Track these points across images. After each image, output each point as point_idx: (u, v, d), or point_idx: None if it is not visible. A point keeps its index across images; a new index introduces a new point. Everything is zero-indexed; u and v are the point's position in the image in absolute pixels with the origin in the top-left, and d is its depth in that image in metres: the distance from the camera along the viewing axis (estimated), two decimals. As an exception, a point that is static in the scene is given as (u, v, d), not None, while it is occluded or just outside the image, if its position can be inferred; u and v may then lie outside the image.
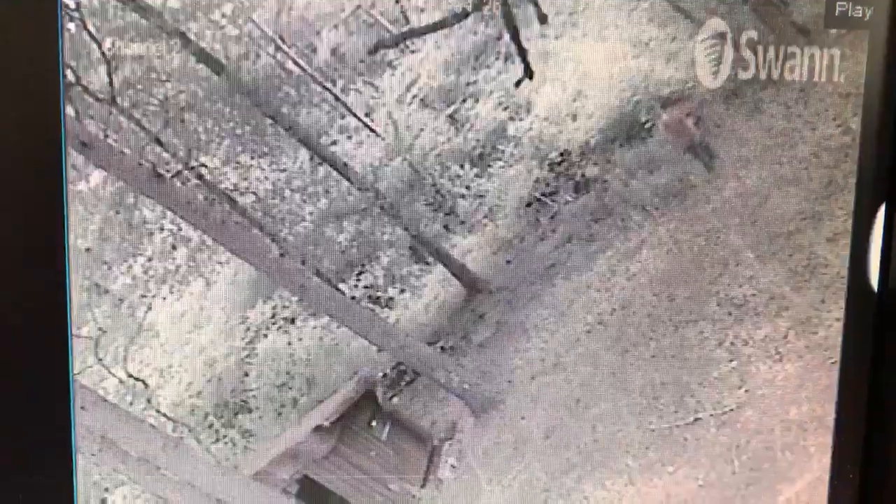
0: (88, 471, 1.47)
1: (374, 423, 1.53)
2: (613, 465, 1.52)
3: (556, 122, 1.45)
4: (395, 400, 1.53)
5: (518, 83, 1.44)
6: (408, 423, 1.53)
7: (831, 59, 1.42)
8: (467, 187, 1.47)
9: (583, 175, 1.48)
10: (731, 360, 1.51)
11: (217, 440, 1.49)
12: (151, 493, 1.49)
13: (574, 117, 1.46)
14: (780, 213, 1.49)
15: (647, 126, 1.47)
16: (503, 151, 1.47)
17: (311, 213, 1.45)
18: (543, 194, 1.48)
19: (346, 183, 1.45)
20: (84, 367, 1.44)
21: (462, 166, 1.47)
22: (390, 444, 1.53)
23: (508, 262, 1.50)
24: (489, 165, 1.47)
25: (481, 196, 1.47)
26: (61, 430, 1.44)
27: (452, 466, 1.53)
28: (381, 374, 1.51)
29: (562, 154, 1.47)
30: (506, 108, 1.45)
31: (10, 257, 1.39)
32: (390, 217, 1.47)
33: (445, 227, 1.48)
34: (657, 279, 1.50)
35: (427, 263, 1.49)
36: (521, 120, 1.45)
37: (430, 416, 1.54)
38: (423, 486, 1.53)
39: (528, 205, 1.48)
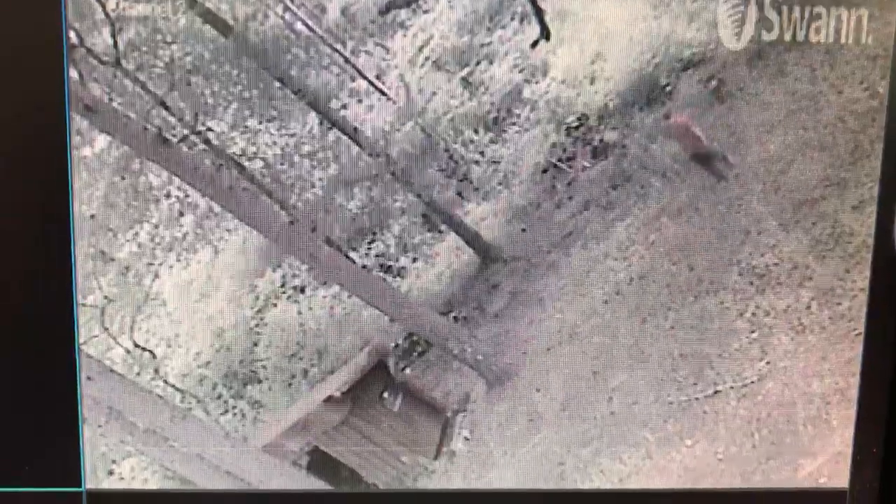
0: (95, 442, 1.48)
1: (385, 395, 1.53)
2: (631, 439, 1.52)
3: (573, 85, 1.45)
4: (408, 371, 1.53)
5: (534, 44, 1.43)
6: (420, 395, 1.54)
7: (859, 20, 1.40)
8: (481, 153, 1.47)
9: (601, 140, 1.47)
10: (752, 332, 1.50)
11: (226, 411, 1.50)
12: (159, 464, 1.50)
13: (592, 80, 1.45)
14: (804, 180, 1.48)
15: (667, 89, 1.46)
16: (518, 115, 1.46)
17: (320, 180, 1.45)
18: (560, 160, 1.48)
19: (356, 148, 1.44)
20: (90, 337, 1.45)
21: (476, 131, 1.46)
22: (402, 415, 1.54)
23: (523, 230, 1.49)
24: (504, 130, 1.46)
25: (496, 162, 1.47)
26: (67, 400, 1.45)
27: (466, 439, 1.54)
28: (393, 344, 1.51)
29: (579, 118, 1.46)
30: (521, 71, 1.44)
31: (14, 225, 1.39)
32: (402, 183, 1.46)
33: (459, 193, 1.48)
34: (677, 248, 1.50)
35: (440, 231, 1.49)
36: (537, 83, 1.44)
37: (442, 387, 1.54)
38: (435, 458, 1.54)
39: (545, 171, 1.48)
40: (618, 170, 1.48)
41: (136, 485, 1.51)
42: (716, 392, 1.51)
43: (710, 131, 1.45)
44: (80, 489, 1.48)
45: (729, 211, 1.49)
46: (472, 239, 1.50)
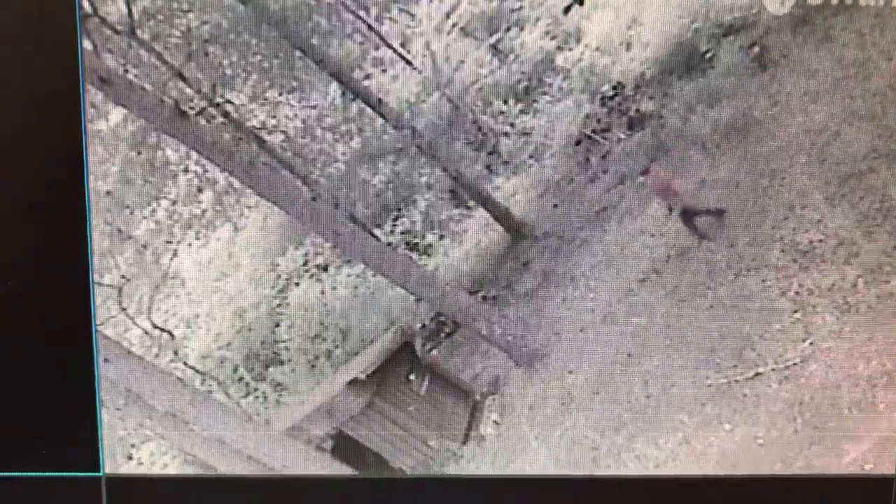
0: (113, 426, 1.48)
1: (412, 377, 1.54)
2: (667, 423, 1.51)
3: (608, 52, 1.45)
4: (435, 352, 1.54)
5: (567, 9, 1.42)
6: (448, 377, 1.54)
7: (911, -19, 1.37)
8: (511, 124, 1.47)
9: (637, 110, 1.47)
10: (794, 311, 1.49)
11: (247, 394, 1.51)
12: (179, 449, 1.51)
13: (628, 46, 1.44)
14: (851, 152, 1.46)
15: (707, 56, 1.45)
16: (551, 85, 1.46)
17: (343, 154, 1.45)
18: (594, 131, 1.48)
19: (380, 120, 1.44)
20: (107, 318, 1.46)
21: (506, 101, 1.46)
22: (429, 398, 1.54)
23: (555, 205, 1.49)
24: (535, 100, 1.46)
25: (526, 134, 1.47)
26: (84, 383, 1.45)
27: (495, 423, 1.53)
28: (419, 325, 1.52)
29: (615, 87, 1.46)
30: (554, 38, 1.44)
31: (27, 202, 1.38)
32: (428, 157, 1.47)
33: (488, 167, 1.48)
34: (717, 223, 1.49)
35: (468, 207, 1.50)
36: (570, 50, 1.45)
37: (471, 369, 1.55)
38: (464, 442, 1.54)
39: (578, 143, 1.48)
40: (655, 141, 1.47)
41: (156, 470, 1.52)
42: (756, 374, 1.50)
43: (692, 184, 1.46)
44: (99, 474, 1.48)
45: (771, 184, 1.48)
46: (501, 215, 1.51)
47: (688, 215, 1.45)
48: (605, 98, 1.46)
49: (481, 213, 1.50)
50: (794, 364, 1.50)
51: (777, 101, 1.45)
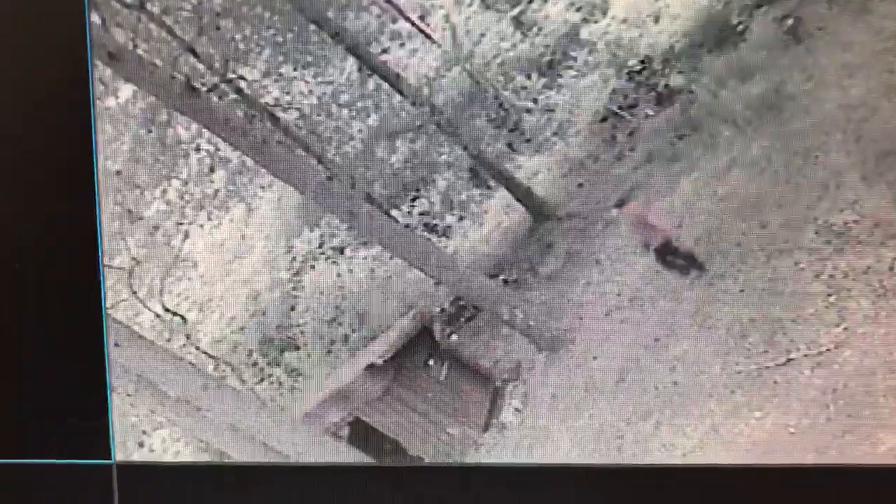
0: (125, 412, 1.48)
1: (431, 363, 1.53)
2: (695, 411, 1.50)
3: (636, 25, 1.43)
4: (454, 337, 1.53)
5: (593, -20, 1.41)
6: (468, 363, 1.53)
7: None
8: (534, 100, 1.46)
9: (666, 85, 1.45)
10: (828, 295, 1.47)
11: (262, 379, 1.51)
12: (192, 436, 1.52)
13: (657, 19, 1.43)
14: (889, 129, 1.43)
15: (739, 29, 1.44)
16: (575, 59, 1.45)
17: (360, 131, 1.44)
18: (621, 107, 1.47)
19: (398, 97, 1.44)
20: (117, 301, 1.46)
21: (529, 76, 1.46)
22: (449, 384, 1.53)
23: (580, 184, 1.49)
24: (559, 75, 1.45)
25: (550, 110, 1.46)
26: (95, 368, 1.44)
27: (516, 410, 1.53)
28: (438, 309, 1.51)
29: (642, 61, 1.45)
30: (579, 9, 1.43)
31: (35, 183, 1.38)
32: (448, 135, 1.45)
33: (509, 145, 1.47)
34: (748, 203, 1.47)
35: (489, 187, 1.49)
36: (596, 22, 1.44)
37: (492, 355, 1.54)
38: (484, 430, 1.53)
39: (604, 119, 1.47)
40: (684, 118, 1.46)
41: (168, 457, 1.53)
42: (788, 360, 1.48)
43: (671, 218, 1.45)
44: (110, 462, 1.47)
45: (805, 163, 1.46)
46: (523, 195, 1.49)
47: (663, 254, 1.45)
48: (632, 72, 1.45)
49: (503, 193, 1.49)
50: (828, 350, 1.47)
51: (812, 75, 1.44)
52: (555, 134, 1.45)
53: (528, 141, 1.46)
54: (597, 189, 1.47)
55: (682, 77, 1.44)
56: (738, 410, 1.48)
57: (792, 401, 1.47)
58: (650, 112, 1.46)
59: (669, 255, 1.44)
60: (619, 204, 1.43)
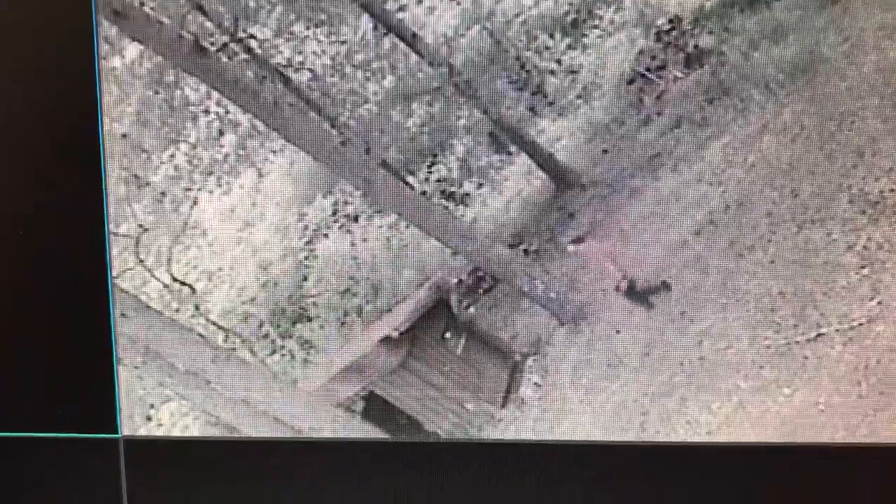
0: (131, 385, 1.48)
1: (447, 335, 1.51)
2: (721, 387, 1.49)
3: None
4: (472, 309, 1.51)
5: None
6: (486, 336, 1.51)
7: None
8: (558, 61, 1.42)
9: (695, 46, 1.41)
10: (862, 267, 1.45)
11: (273, 352, 1.49)
12: (201, 410, 1.50)
13: None
14: None
15: None
16: (601, 17, 1.41)
17: (375, 94, 1.41)
18: (648, 69, 1.43)
19: (415, 57, 1.41)
20: (124, 270, 1.44)
21: (552, 36, 1.41)
22: (466, 358, 1.52)
23: (605, 150, 1.45)
24: (584, 34, 1.41)
25: (574, 72, 1.42)
26: (100, 339, 1.45)
27: (536, 385, 1.51)
28: (455, 280, 1.49)
29: (671, 20, 1.41)
30: None
31: (37, 146, 1.38)
32: (467, 98, 1.42)
33: (531, 109, 1.43)
34: (779, 171, 1.44)
35: (509, 153, 1.46)
36: None
37: (511, 327, 1.51)
38: (503, 405, 1.52)
39: (630, 82, 1.43)
40: (714, 81, 1.43)
41: (177, 431, 1.51)
42: (819, 335, 1.47)
43: (632, 256, 1.45)
44: (116, 436, 1.49)
45: (840, 129, 1.43)
46: (545, 161, 1.46)
47: (629, 289, 1.45)
48: (660, 32, 1.41)
49: (524, 159, 1.46)
50: (860, 324, 1.46)
51: (848, 36, 1.40)
52: (579, 97, 1.42)
53: (550, 104, 1.42)
54: (622, 155, 1.44)
55: (712, 38, 1.40)
56: (766, 387, 1.47)
57: (822, 377, 1.47)
58: (679, 74, 1.42)
59: (632, 289, 1.45)
60: (576, 240, 1.44)
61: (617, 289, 1.44)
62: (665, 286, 1.45)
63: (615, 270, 1.44)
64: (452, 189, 1.45)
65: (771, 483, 1.49)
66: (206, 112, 1.40)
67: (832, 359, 1.47)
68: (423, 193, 1.45)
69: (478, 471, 1.50)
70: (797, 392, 1.47)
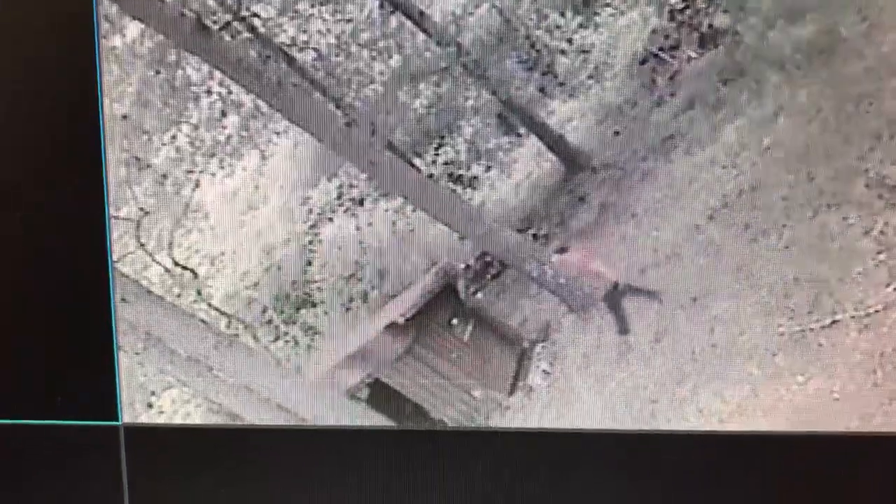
0: (132, 372, 1.48)
1: (454, 322, 1.50)
2: (734, 374, 1.48)
3: None
4: (480, 295, 1.50)
5: None
6: (494, 322, 1.51)
7: None
8: (569, 40, 1.40)
9: (710, 25, 1.40)
10: (879, 252, 1.44)
11: (277, 338, 1.48)
12: (203, 397, 1.50)
13: None
14: None
15: None
16: None
17: (381, 74, 1.40)
18: (662, 49, 1.41)
19: (422, 36, 1.39)
20: (124, 254, 1.44)
21: (563, 14, 1.40)
22: (473, 345, 1.51)
23: (616, 132, 1.43)
24: (596, 13, 1.40)
25: (585, 51, 1.40)
26: (100, 325, 1.45)
27: (545, 372, 1.50)
28: (463, 265, 1.48)
29: None
30: None
31: (36, 127, 1.38)
32: (475, 78, 1.41)
33: (541, 89, 1.42)
34: (795, 154, 1.43)
35: (518, 135, 1.44)
36: None
37: (519, 314, 1.50)
38: (510, 393, 1.51)
39: (643, 62, 1.42)
40: (729, 61, 1.41)
41: (178, 419, 1.51)
42: (834, 322, 1.46)
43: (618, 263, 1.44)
44: (117, 423, 1.49)
45: (857, 111, 1.41)
46: (555, 143, 1.44)
47: (614, 299, 1.45)
48: (674, 11, 1.40)
49: (533, 141, 1.44)
50: (876, 311, 1.45)
51: (867, 16, 1.38)
52: (590, 77, 1.41)
53: (561, 85, 1.41)
54: (634, 137, 1.43)
55: (727, 17, 1.39)
56: (779, 374, 1.46)
57: (837, 365, 1.46)
58: (693, 54, 1.41)
59: (618, 301, 1.45)
60: (560, 250, 1.44)
61: (594, 296, 1.45)
62: (652, 296, 1.44)
63: (599, 272, 1.44)
64: (460, 172, 1.44)
65: (784, 473, 1.48)
66: (209, 92, 1.39)
67: (847, 346, 1.46)
68: (430, 176, 1.44)
69: (485, 460, 1.50)
70: (811, 380, 1.47)
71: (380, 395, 1.51)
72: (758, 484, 1.49)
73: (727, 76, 1.41)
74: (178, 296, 1.45)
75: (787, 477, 1.48)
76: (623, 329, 1.45)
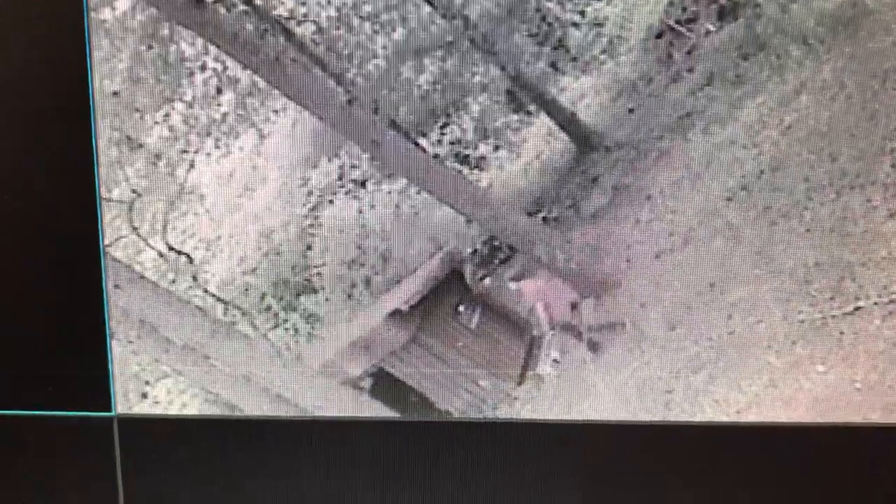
0: (125, 360, 1.48)
1: (461, 309, 1.50)
2: (752, 363, 1.48)
3: None
4: (487, 281, 1.49)
5: None
6: (502, 310, 1.50)
7: None
8: (581, 13, 1.39)
9: None
10: None
11: (276, 325, 1.48)
12: (199, 387, 1.50)
13: None
14: None
15: None
16: None
17: (384, 48, 1.39)
18: (679, 22, 1.40)
19: (427, 8, 1.38)
20: (116, 238, 1.43)
21: None
22: (481, 333, 1.50)
23: (631, 110, 1.43)
24: None
25: (599, 24, 1.39)
26: (92, 312, 1.44)
27: (555, 361, 1.50)
28: (470, 249, 1.47)
29: None
30: None
31: (23, 105, 1.37)
32: (483, 52, 1.40)
33: (552, 65, 1.41)
34: (817, 133, 1.42)
35: (528, 112, 1.43)
36: None
37: (528, 300, 1.49)
38: (519, 383, 1.51)
39: (659, 36, 1.40)
40: (749, 35, 1.40)
41: (174, 410, 1.51)
42: (856, 309, 1.46)
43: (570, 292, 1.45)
44: (110, 414, 1.49)
45: (883, 87, 1.40)
46: (567, 121, 1.43)
47: (573, 330, 1.46)
48: None
49: (544, 120, 1.43)
50: None
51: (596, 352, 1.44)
52: (604, 52, 1.40)
53: (573, 60, 1.40)
54: (650, 115, 1.42)
55: (747, -12, 1.39)
56: (799, 363, 1.47)
57: (859, 353, 1.47)
58: (711, 28, 1.39)
59: (573, 333, 1.46)
60: (516, 278, 1.44)
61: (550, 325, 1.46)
62: (614, 328, 1.45)
63: (551, 309, 1.45)
64: (467, 152, 1.43)
65: (803, 466, 1.49)
66: (203, 68, 1.38)
67: (870, 334, 1.46)
68: (436, 156, 1.43)
69: (492, 452, 1.50)
70: (832, 369, 1.47)
71: (383, 385, 1.51)
72: (776, 478, 1.49)
73: (747, 51, 1.40)
74: (173, 282, 1.45)
75: (806, 470, 1.49)
76: (593, 347, 1.46)
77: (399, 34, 1.38)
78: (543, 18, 1.38)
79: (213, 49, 1.37)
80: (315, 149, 1.43)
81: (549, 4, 1.38)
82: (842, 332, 1.46)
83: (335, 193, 1.45)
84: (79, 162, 1.38)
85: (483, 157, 1.44)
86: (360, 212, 1.45)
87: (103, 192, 1.40)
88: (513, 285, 1.44)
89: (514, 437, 1.50)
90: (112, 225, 1.42)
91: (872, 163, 1.42)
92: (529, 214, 1.46)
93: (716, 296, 1.47)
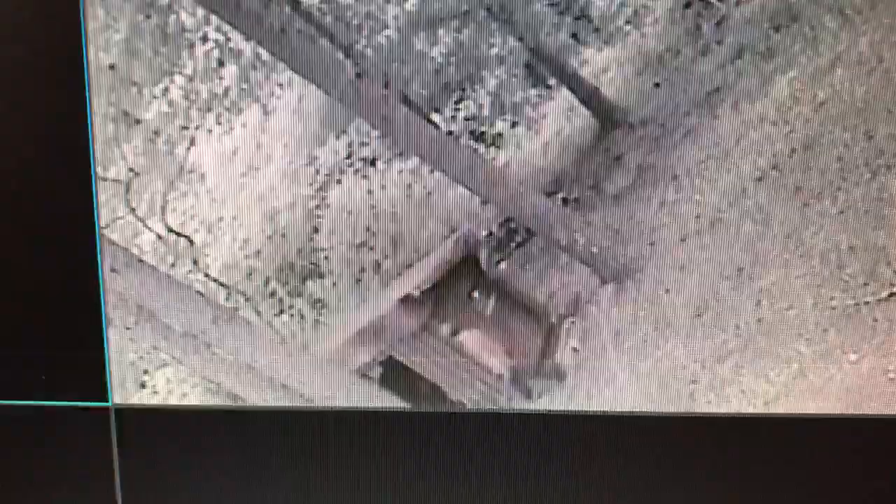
0: (122, 348, 1.47)
1: (475, 295, 1.49)
2: (781, 352, 1.47)
3: None
4: (503, 266, 1.48)
5: None
6: (519, 296, 1.49)
7: None
8: None
9: None
10: None
11: (281, 312, 1.48)
12: (200, 376, 1.50)
13: None
14: None
15: None
16: None
17: (395, 18, 1.38)
18: None
19: None
20: (113, 219, 1.43)
21: None
22: (496, 320, 1.50)
23: (657, 84, 1.41)
24: None
25: None
26: (88, 297, 1.44)
27: (574, 350, 1.49)
28: (485, 232, 1.47)
29: None
30: None
31: (14, 78, 1.36)
32: (500, 23, 1.39)
33: (574, 36, 1.39)
34: (853, 109, 1.41)
35: (548, 87, 1.42)
36: None
37: (547, 286, 1.49)
38: (536, 372, 1.50)
39: (687, 5, 1.38)
40: (782, 5, 1.38)
41: (173, 400, 1.51)
42: (891, 295, 1.45)
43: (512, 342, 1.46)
44: (107, 404, 1.49)
45: None
46: (589, 97, 1.42)
47: (519, 377, 1.46)
48: None
49: (564, 94, 1.42)
50: None
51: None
52: (628, 22, 1.39)
53: (596, 31, 1.39)
54: (677, 90, 1.41)
55: (781, -45, 1.40)
56: (830, 352, 1.47)
57: (893, 342, 1.47)
58: None
59: (520, 380, 1.46)
60: (454, 332, 1.45)
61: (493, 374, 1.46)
62: (559, 374, 1.45)
63: (503, 360, 1.46)
64: (483, 128, 1.43)
65: (834, 459, 1.48)
66: (204, 39, 1.38)
67: None
68: (450, 133, 1.42)
69: (507, 445, 1.50)
70: (865, 358, 1.46)
71: (393, 374, 1.51)
72: (806, 470, 1.49)
73: (779, 22, 1.39)
74: (173, 265, 1.45)
75: (837, 463, 1.48)
76: (528, 395, 1.47)
77: (411, 3, 1.38)
78: (565, -14, 1.40)
79: (214, 19, 1.36)
80: (322, 125, 1.43)
81: (572, -29, 1.39)
82: (875, 320, 1.45)
83: (343, 172, 1.44)
84: (73, 139, 1.38)
85: (500, 134, 1.43)
86: (370, 192, 1.45)
87: (99, 171, 1.40)
88: (457, 339, 1.45)
89: (530, 430, 1.50)
90: (108, 206, 1.42)
91: (910, 141, 1.44)
92: (548, 195, 1.45)
93: (744, 281, 1.46)
